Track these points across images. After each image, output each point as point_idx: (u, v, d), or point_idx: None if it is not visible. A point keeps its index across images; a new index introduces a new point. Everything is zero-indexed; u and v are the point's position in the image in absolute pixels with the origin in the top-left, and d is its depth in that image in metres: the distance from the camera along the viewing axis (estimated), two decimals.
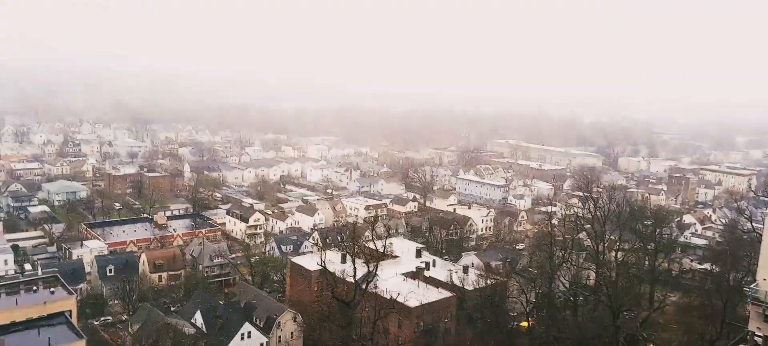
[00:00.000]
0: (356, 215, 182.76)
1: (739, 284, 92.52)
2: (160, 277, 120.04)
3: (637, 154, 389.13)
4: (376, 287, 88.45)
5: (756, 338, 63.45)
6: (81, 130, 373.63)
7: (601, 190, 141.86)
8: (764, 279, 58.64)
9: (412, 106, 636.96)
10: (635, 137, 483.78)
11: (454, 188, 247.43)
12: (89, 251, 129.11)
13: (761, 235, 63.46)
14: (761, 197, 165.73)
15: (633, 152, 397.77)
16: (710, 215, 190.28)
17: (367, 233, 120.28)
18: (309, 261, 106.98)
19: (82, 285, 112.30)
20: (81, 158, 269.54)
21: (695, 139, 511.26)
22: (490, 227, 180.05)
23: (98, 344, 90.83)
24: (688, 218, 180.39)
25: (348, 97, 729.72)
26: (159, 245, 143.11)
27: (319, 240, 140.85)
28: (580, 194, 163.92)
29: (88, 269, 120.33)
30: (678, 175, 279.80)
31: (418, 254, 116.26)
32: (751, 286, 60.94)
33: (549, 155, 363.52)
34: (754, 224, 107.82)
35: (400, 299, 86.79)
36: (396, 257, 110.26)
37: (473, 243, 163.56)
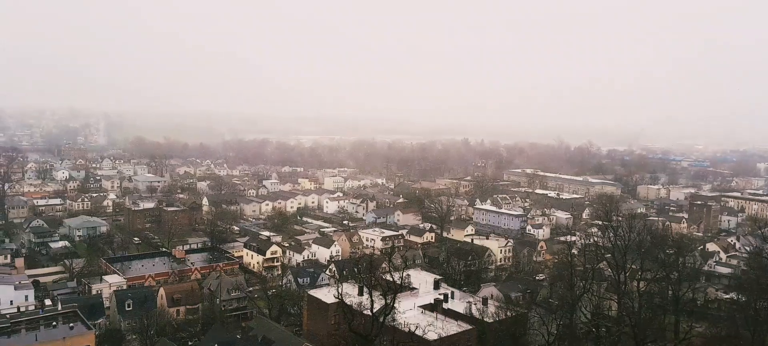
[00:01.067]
0: (373, 247, 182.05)
1: (766, 313, 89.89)
2: (177, 311, 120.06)
3: (656, 182, 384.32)
4: (393, 320, 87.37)
5: None
6: (102, 167, 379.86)
7: (620, 218, 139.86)
8: None
9: (427, 138, 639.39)
10: (654, 165, 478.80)
11: (472, 218, 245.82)
12: (108, 285, 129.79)
13: None
14: None
15: (652, 180, 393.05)
16: (734, 243, 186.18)
17: (384, 265, 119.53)
18: (326, 294, 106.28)
19: (101, 320, 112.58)
20: (102, 194, 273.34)
21: (715, 167, 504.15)
22: (508, 258, 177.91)
23: None
24: (711, 246, 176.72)
25: (363, 130, 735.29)
26: (177, 278, 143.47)
27: (335, 272, 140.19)
28: (600, 222, 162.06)
29: (107, 303, 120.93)
30: (699, 202, 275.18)
31: (436, 285, 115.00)
32: None
33: (567, 184, 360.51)
34: None
35: (419, 333, 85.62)
36: (414, 289, 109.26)
37: (492, 274, 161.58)
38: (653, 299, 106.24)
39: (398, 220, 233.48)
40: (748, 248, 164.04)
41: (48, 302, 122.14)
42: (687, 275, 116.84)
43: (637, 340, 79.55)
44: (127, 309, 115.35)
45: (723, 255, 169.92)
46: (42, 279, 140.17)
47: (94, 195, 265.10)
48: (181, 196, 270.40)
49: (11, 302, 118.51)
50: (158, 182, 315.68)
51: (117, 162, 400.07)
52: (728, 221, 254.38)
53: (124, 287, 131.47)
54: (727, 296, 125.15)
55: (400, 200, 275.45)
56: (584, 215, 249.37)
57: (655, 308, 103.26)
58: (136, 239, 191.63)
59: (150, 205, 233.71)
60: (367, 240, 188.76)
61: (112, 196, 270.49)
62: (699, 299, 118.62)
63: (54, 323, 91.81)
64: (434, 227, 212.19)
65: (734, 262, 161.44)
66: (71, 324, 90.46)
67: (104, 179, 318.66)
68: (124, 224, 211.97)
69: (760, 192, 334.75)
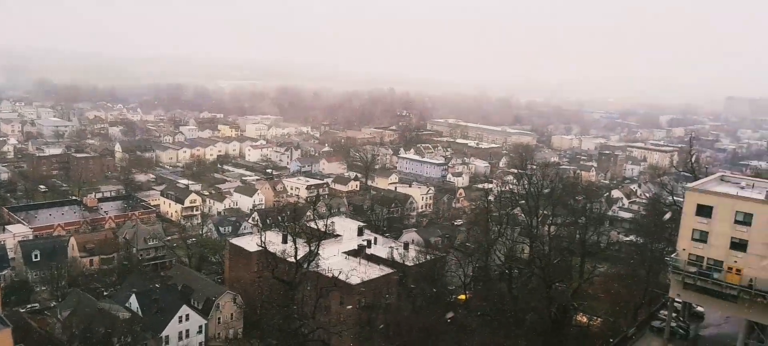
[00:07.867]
0: (297, 195, 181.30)
1: (661, 254, 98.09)
2: (91, 261, 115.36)
3: (570, 132, 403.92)
4: (318, 266, 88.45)
5: (675, 303, 67.92)
6: (1, 109, 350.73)
7: (535, 167, 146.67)
8: (683, 249, 62.36)
9: (352, 87, 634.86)
10: (568, 116, 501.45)
11: (395, 167, 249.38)
12: (12, 235, 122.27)
13: (681, 208, 67.28)
14: (682, 173, 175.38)
15: (566, 131, 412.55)
16: (636, 190, 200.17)
17: (308, 213, 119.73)
18: (249, 242, 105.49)
19: (5, 271, 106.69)
20: (1, 138, 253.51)
21: (624, 118, 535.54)
22: (429, 205, 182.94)
23: (25, 331, 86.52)
24: (615, 193, 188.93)
25: (289, 77, 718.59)
26: (89, 228, 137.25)
27: (259, 221, 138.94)
28: (516, 171, 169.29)
29: (11, 254, 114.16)
30: (607, 152, 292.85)
31: (360, 232, 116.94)
32: (672, 256, 64.71)
33: (486, 134, 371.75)
34: (675, 198, 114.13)
35: (342, 277, 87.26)
36: (338, 236, 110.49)
37: (413, 221, 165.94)
38: (562, 242, 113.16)
39: (323, 169, 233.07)
40: (647, 195, 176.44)
41: None
42: (593, 220, 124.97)
43: (545, 280, 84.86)
44: (34, 260, 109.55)
45: (625, 201, 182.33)
46: None
47: None
48: (91, 142, 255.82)
49: None
50: (65, 126, 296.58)
51: (18, 104, 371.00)
52: (632, 169, 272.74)
53: (31, 237, 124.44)
54: (627, 239, 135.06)
55: (326, 149, 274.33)
56: (501, 164, 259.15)
57: (563, 250, 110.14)
58: (41, 186, 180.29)
59: (57, 151, 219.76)
60: (291, 189, 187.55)
61: (12, 141, 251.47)
62: (603, 242, 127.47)
63: None
64: (359, 175, 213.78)
65: (635, 207, 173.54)
66: None
67: (3, 123, 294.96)
68: (27, 171, 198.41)
69: (661, 143, 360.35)
